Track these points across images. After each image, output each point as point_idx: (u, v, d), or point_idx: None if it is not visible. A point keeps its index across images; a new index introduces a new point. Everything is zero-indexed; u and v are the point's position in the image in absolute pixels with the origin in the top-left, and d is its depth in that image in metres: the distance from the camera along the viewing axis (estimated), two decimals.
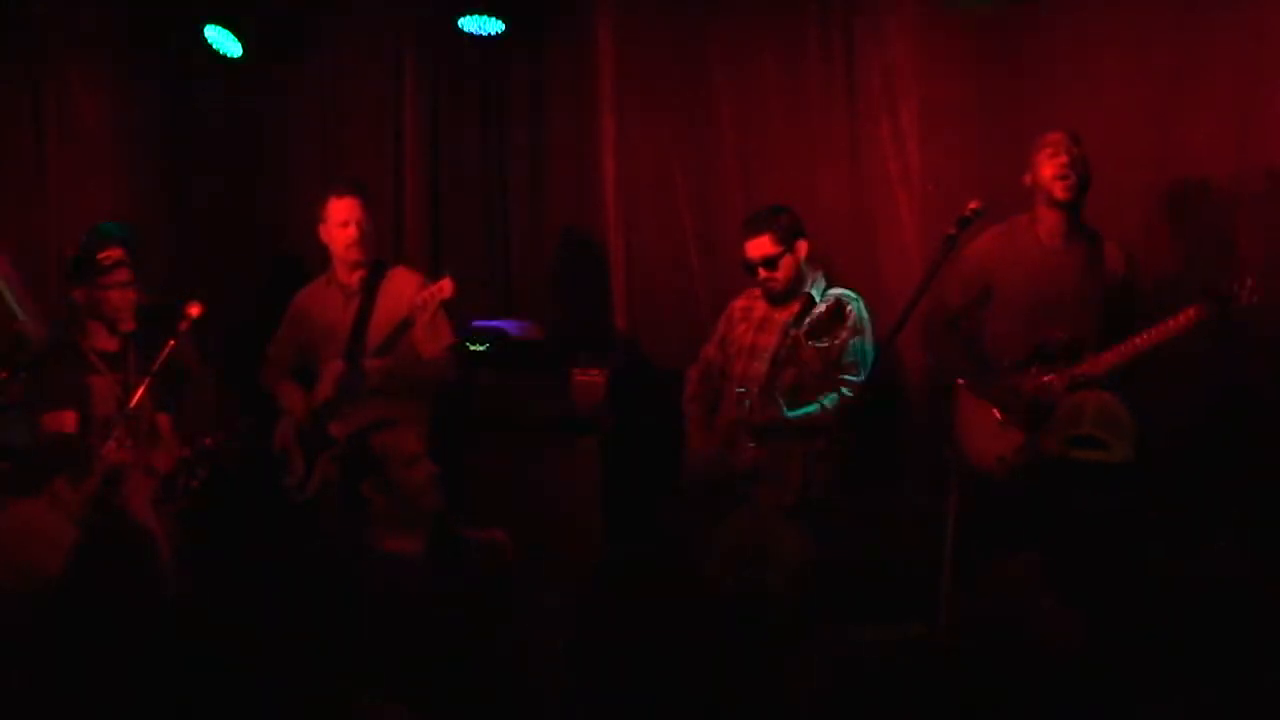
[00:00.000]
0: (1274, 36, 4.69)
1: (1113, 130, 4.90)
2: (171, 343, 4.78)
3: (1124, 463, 4.20)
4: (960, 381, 4.68)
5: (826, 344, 4.67)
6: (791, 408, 4.75)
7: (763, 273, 4.88)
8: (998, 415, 4.55)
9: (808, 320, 4.68)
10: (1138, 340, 4.35)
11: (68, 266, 4.97)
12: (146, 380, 4.64)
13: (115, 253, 4.76)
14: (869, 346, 4.82)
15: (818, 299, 4.82)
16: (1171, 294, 4.72)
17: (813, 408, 4.75)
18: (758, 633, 2.64)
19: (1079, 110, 4.91)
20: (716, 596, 2.87)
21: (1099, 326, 4.48)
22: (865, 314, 4.86)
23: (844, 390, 4.77)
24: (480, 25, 5.90)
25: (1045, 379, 4.48)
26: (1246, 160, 4.79)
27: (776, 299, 4.91)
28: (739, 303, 5.09)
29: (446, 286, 4.90)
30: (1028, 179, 4.56)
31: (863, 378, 4.76)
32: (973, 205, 4.42)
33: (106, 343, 4.80)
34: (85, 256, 4.81)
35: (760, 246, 4.86)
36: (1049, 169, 4.51)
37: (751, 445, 4.72)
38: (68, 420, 4.73)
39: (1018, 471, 4.41)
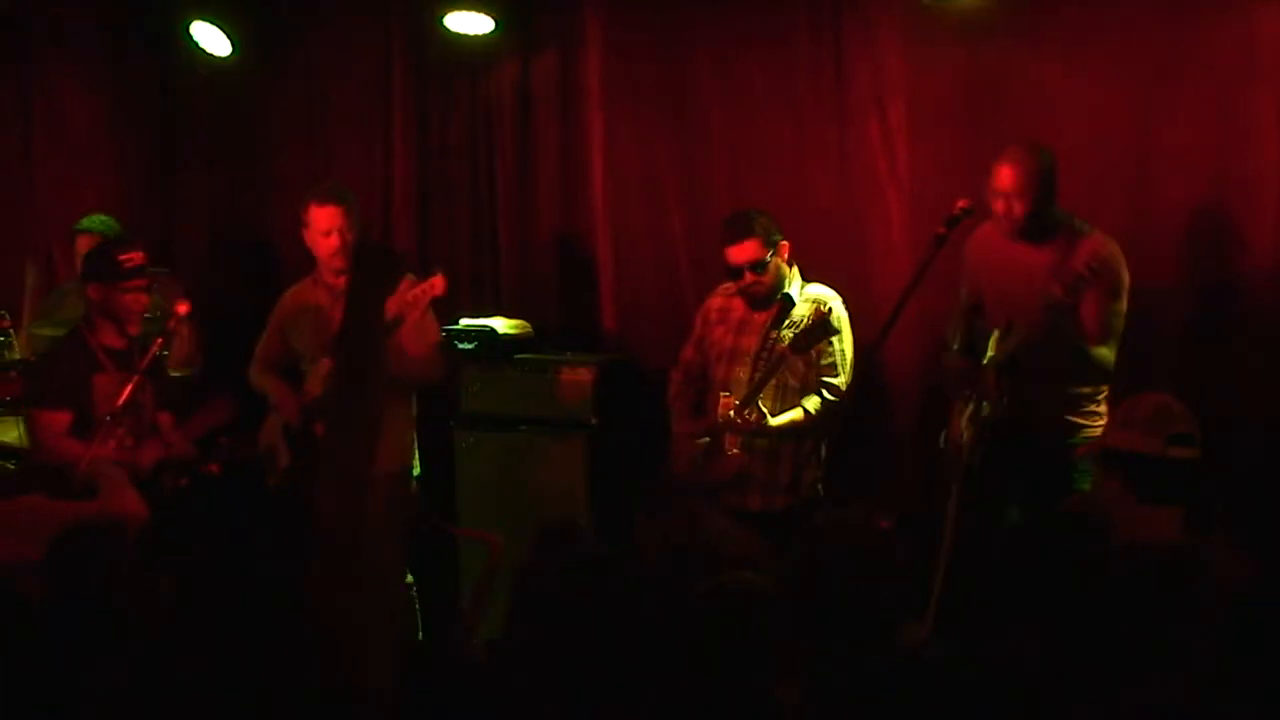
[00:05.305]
0: (1256, 37, 4.69)
1: (1096, 129, 4.91)
2: (159, 341, 4.80)
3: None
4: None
5: (810, 351, 4.66)
6: (774, 413, 4.69)
7: (750, 276, 4.78)
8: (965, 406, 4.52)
9: (793, 332, 4.65)
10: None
11: (86, 263, 4.96)
12: (135, 379, 4.64)
13: (136, 257, 4.75)
14: (848, 347, 4.79)
15: (796, 299, 4.81)
16: (1157, 293, 4.75)
17: (796, 413, 4.70)
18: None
19: (1064, 109, 4.93)
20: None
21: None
22: (844, 313, 4.81)
23: (825, 394, 4.73)
24: (468, 23, 5.90)
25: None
26: (1228, 160, 4.79)
27: (759, 303, 4.84)
28: (714, 302, 5.02)
29: (438, 284, 4.88)
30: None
31: (843, 378, 4.75)
32: (961, 204, 4.43)
33: (114, 340, 4.80)
34: (105, 256, 4.80)
35: (747, 251, 4.75)
36: (994, 206, 4.49)
37: (734, 452, 4.69)
38: (59, 421, 4.72)
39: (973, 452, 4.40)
